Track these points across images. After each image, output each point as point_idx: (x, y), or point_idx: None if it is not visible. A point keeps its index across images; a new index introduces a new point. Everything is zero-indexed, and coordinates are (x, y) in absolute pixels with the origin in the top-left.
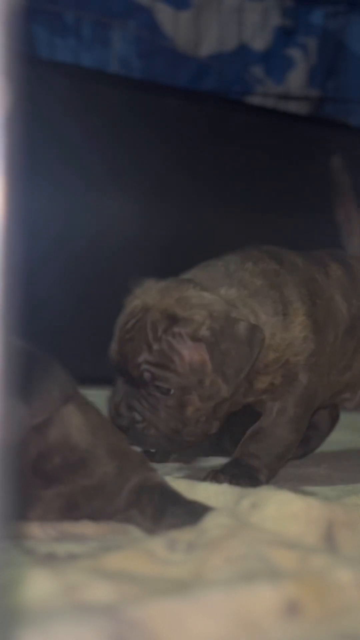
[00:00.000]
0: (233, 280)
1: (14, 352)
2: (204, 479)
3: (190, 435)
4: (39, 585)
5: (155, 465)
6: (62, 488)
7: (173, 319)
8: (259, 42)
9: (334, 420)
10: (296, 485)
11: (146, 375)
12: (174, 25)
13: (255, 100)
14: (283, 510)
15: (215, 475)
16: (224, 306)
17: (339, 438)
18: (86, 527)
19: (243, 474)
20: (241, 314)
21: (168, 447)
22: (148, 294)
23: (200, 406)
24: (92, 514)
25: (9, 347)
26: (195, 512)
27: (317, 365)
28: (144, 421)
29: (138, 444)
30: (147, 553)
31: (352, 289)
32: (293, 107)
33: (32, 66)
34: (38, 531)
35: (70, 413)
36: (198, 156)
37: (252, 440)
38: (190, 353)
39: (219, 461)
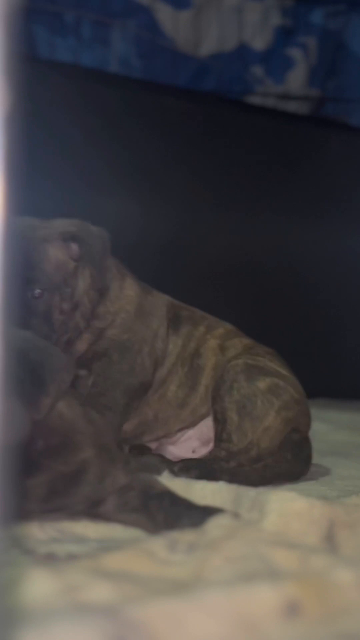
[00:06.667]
0: None
1: (20, 347)
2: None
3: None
4: (39, 585)
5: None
6: (44, 477)
7: None
8: (259, 42)
9: None
10: (296, 485)
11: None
12: (174, 25)
13: (255, 100)
14: (286, 509)
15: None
16: None
17: (339, 438)
18: (86, 528)
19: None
20: None
21: None
22: None
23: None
24: (69, 503)
25: (9, 347)
26: (209, 515)
27: None
28: None
29: None
30: (147, 553)
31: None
32: (293, 107)
33: (32, 66)
34: (38, 531)
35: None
36: (198, 156)
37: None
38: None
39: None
